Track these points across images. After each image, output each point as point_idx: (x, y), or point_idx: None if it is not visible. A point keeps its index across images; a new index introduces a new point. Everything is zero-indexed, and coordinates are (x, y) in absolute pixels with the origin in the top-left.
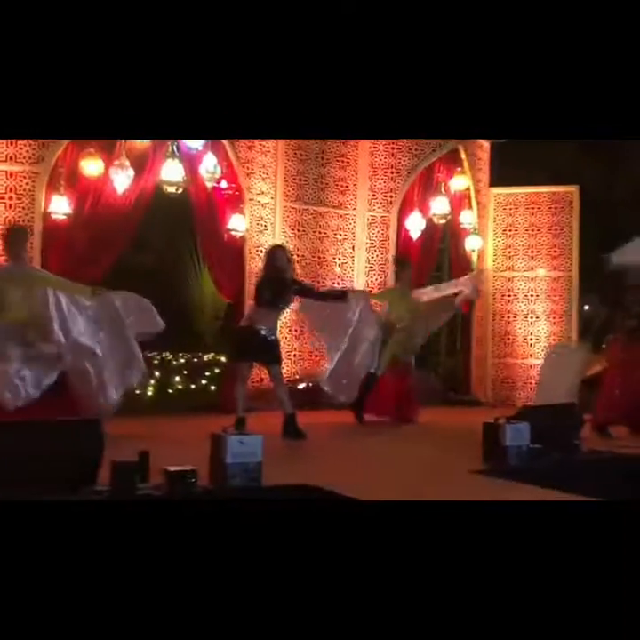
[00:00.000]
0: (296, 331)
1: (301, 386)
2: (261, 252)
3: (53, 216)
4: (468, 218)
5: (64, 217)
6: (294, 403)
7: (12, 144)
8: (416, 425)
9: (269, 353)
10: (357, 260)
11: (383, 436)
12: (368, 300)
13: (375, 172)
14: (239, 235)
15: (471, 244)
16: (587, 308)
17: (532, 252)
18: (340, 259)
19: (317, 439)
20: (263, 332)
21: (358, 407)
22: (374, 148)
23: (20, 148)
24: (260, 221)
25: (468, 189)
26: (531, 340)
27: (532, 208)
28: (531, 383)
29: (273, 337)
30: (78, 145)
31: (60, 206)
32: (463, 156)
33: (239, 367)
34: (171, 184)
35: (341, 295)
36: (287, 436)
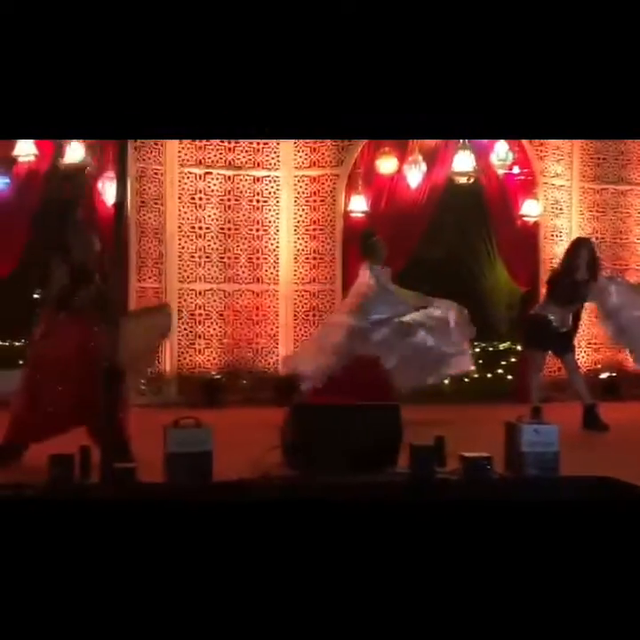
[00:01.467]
0: (596, 317)
1: (603, 376)
2: (557, 236)
3: (352, 214)
4: None
5: (362, 215)
6: (595, 393)
7: (315, 151)
8: None
9: (560, 343)
10: None
11: None
12: None
13: None
14: (532, 220)
15: None
16: None
17: None
18: None
19: (621, 431)
20: (555, 323)
21: None
22: None
23: (322, 154)
24: (555, 205)
25: None
26: None
27: None
28: None
29: (565, 328)
30: (374, 145)
31: (359, 205)
32: None
33: (532, 356)
34: (462, 174)
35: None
36: (588, 428)
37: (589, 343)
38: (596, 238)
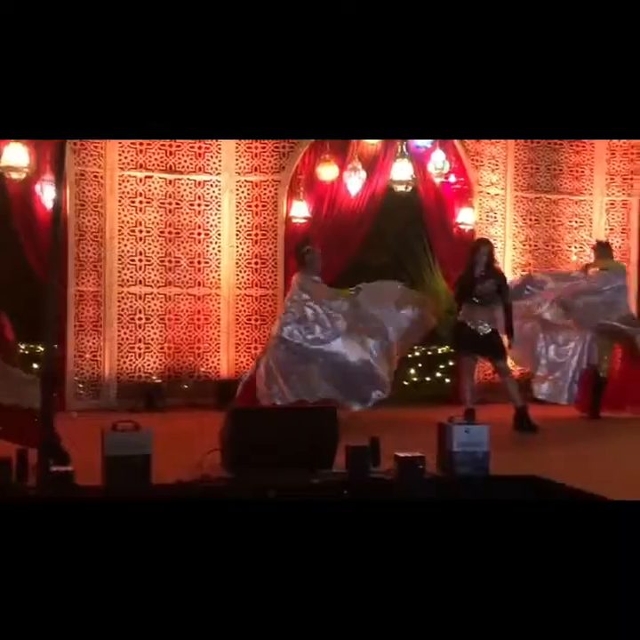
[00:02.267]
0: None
1: None
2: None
3: (294, 220)
4: None
5: (303, 221)
6: (527, 396)
7: (256, 156)
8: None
9: (487, 347)
10: None
11: (619, 430)
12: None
13: (613, 154)
14: (468, 228)
15: None
16: None
17: None
18: (576, 247)
19: (550, 433)
20: (473, 327)
21: (593, 410)
22: None
23: (264, 160)
24: (489, 213)
25: None
26: None
27: None
28: None
29: (488, 330)
30: (315, 153)
31: (300, 211)
32: None
33: (462, 360)
34: (400, 183)
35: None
36: (519, 430)
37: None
38: (530, 246)
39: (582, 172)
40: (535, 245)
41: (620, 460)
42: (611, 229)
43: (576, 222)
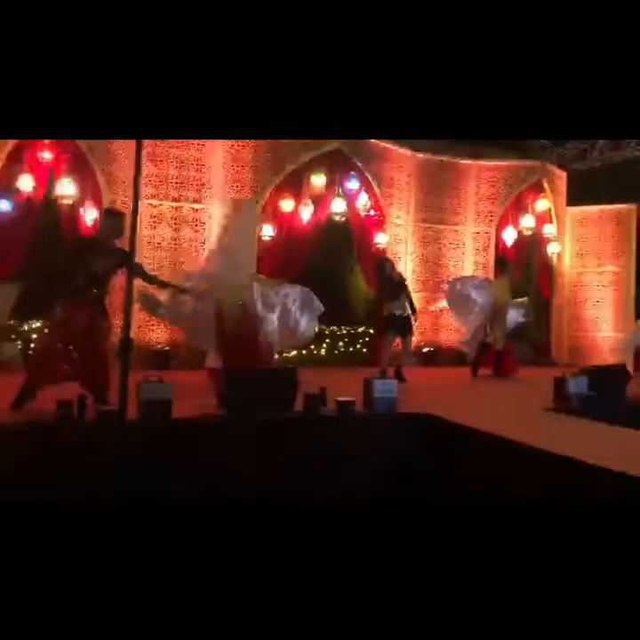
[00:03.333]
0: (421, 313)
1: (425, 350)
2: (398, 258)
3: (263, 238)
4: (549, 229)
5: (269, 238)
6: (418, 361)
7: (238, 192)
8: (512, 378)
9: (408, 326)
10: (466, 262)
11: (485, 384)
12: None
13: (480, 199)
14: (382, 246)
15: (551, 248)
16: None
17: (599, 253)
18: (453, 261)
19: (435, 388)
20: (398, 313)
21: (475, 366)
22: (478, 180)
23: (245, 194)
24: (396, 237)
25: (549, 209)
26: (597, 319)
27: (600, 221)
28: (597, 350)
29: (405, 314)
30: (279, 191)
31: (267, 231)
32: (545, 184)
33: (388, 338)
34: (337, 214)
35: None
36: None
37: (417, 329)
38: (422, 260)
39: (459, 211)
40: (426, 260)
41: (476, 401)
42: (477, 250)
43: (454, 244)
